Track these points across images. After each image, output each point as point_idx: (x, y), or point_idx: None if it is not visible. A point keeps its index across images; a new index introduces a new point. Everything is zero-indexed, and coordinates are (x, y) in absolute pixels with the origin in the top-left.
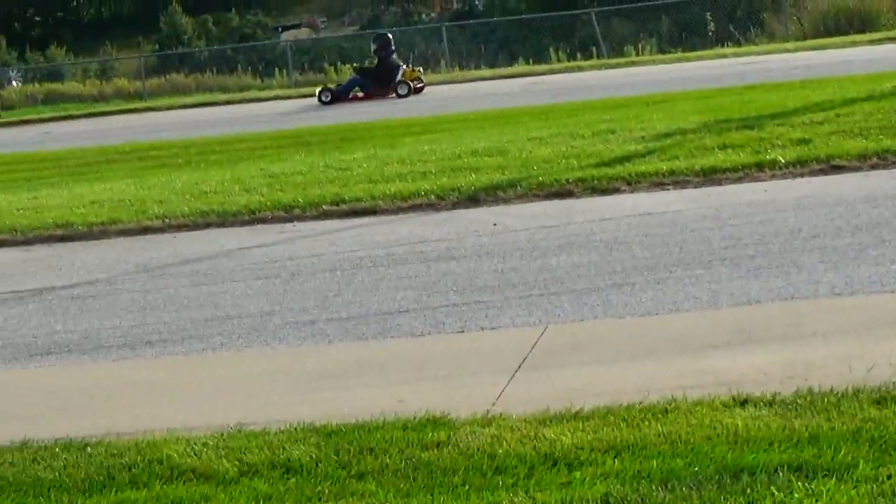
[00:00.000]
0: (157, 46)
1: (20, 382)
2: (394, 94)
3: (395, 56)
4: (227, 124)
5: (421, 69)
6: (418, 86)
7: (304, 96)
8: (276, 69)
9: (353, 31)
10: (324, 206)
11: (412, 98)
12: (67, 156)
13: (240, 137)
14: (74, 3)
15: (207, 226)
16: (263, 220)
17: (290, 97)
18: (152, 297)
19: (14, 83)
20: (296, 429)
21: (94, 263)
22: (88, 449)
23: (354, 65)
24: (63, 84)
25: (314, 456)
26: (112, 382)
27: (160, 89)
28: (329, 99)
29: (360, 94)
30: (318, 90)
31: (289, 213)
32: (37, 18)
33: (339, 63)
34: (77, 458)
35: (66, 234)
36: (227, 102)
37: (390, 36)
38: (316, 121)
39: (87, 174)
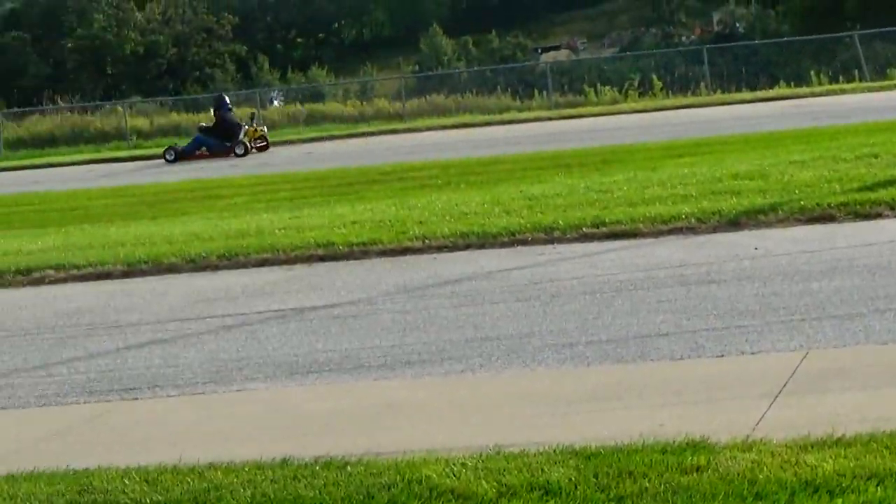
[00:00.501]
0: (416, 67)
1: (282, 400)
2: (233, 154)
3: (233, 114)
4: (486, 145)
5: (265, 128)
6: (260, 144)
7: (564, 118)
8: (536, 90)
9: (612, 52)
10: (584, 229)
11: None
12: (328, 176)
13: (499, 159)
14: (336, 26)
15: (467, 247)
16: (523, 242)
17: (550, 119)
18: (412, 318)
19: (276, 104)
20: (555, 451)
21: (355, 283)
22: (348, 468)
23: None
24: (324, 105)
25: (573, 478)
26: (372, 402)
27: (420, 110)
28: (174, 158)
29: (207, 153)
30: (163, 150)
31: (549, 236)
32: (299, 40)
33: (598, 85)
34: (337, 476)
35: (327, 254)
36: (487, 124)
37: (226, 97)
38: (576, 143)
39: (348, 194)
